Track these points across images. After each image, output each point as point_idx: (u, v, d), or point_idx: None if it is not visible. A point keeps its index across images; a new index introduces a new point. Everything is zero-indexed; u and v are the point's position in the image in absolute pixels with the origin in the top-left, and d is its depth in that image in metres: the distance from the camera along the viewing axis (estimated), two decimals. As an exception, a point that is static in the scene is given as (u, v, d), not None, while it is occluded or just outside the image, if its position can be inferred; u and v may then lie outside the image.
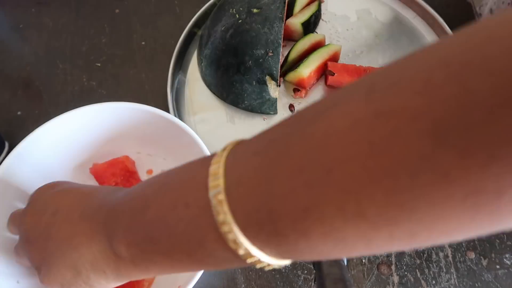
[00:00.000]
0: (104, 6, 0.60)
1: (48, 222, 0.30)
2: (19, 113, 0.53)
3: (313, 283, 0.44)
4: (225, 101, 0.51)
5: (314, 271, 0.40)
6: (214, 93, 0.52)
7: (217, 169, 0.21)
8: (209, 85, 0.52)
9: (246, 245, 0.20)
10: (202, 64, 0.52)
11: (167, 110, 0.48)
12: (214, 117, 0.51)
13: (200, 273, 0.35)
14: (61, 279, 0.29)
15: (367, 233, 0.17)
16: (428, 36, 0.56)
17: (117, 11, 0.60)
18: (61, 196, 0.31)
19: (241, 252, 0.20)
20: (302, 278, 0.44)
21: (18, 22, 0.59)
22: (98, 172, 0.44)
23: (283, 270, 0.44)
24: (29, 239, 0.31)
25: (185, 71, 0.55)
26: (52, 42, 0.58)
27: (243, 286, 0.43)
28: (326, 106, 0.19)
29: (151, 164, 0.47)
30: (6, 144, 0.48)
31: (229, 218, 0.20)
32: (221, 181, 0.20)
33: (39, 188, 0.34)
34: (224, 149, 0.22)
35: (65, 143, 0.44)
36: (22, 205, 0.40)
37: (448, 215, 0.15)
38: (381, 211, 0.16)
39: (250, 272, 0.44)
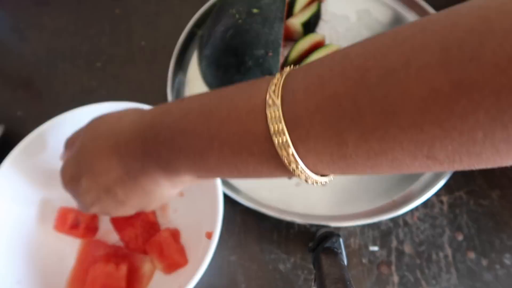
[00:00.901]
0: (104, 6, 0.60)
1: (81, 154, 0.31)
2: (19, 113, 0.53)
3: (313, 283, 0.44)
4: None
5: (314, 271, 0.40)
6: None
7: (278, 80, 0.22)
8: (209, 85, 0.52)
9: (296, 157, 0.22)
10: (202, 64, 0.52)
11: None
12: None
13: (200, 275, 0.36)
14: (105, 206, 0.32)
15: (421, 144, 0.18)
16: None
17: (117, 11, 0.60)
18: (91, 128, 0.32)
19: (292, 163, 0.22)
20: (302, 278, 0.44)
21: (18, 22, 0.59)
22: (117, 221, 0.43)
23: (283, 270, 0.44)
24: (72, 177, 0.32)
25: (185, 71, 0.55)
26: (52, 42, 0.58)
27: (243, 286, 0.43)
28: (392, 62, 0.19)
29: None
30: (1, 127, 0.49)
31: (283, 125, 0.21)
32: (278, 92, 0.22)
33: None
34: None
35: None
36: (20, 205, 0.40)
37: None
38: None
39: (250, 272, 0.44)
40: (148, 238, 0.41)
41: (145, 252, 0.42)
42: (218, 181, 0.39)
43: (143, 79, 0.55)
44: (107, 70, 0.56)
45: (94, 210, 0.32)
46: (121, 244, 0.43)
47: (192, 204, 0.43)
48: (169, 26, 0.58)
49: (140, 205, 0.32)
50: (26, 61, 0.56)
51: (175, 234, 0.42)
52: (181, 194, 0.44)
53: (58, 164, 0.41)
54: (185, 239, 0.42)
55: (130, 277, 0.39)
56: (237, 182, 0.47)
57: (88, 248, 0.42)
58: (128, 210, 0.32)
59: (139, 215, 0.42)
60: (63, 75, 0.55)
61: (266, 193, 0.46)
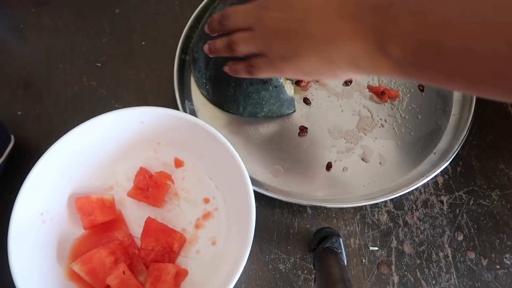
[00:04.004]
0: (104, 6, 0.60)
1: (299, 18, 0.34)
2: (19, 113, 0.53)
3: (313, 283, 0.44)
4: (242, 115, 0.50)
5: (314, 271, 0.40)
6: (228, 111, 0.51)
7: None
8: (220, 106, 0.51)
9: None
10: (207, 87, 0.51)
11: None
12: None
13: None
14: (308, 67, 0.35)
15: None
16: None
17: (117, 11, 0.60)
18: None
19: None
20: (302, 278, 0.44)
21: (18, 22, 0.59)
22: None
23: (283, 270, 0.44)
24: (276, 31, 0.35)
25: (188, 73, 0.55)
26: (52, 42, 0.57)
27: (243, 286, 0.43)
28: None
29: (173, 155, 0.47)
30: (12, 138, 0.49)
31: None
32: None
33: None
34: None
35: (91, 149, 0.44)
36: (49, 214, 0.41)
37: None
38: None
39: (250, 272, 0.44)
40: (158, 260, 0.41)
41: (147, 267, 0.42)
42: (248, 250, 0.37)
43: (143, 79, 0.55)
44: (107, 70, 0.56)
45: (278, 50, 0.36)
46: (138, 242, 0.43)
47: (217, 257, 0.42)
48: (169, 26, 0.58)
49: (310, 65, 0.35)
50: (26, 61, 0.56)
51: (179, 274, 0.41)
52: (213, 243, 0.43)
53: (83, 170, 0.44)
54: (191, 282, 0.42)
55: (122, 277, 0.39)
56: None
57: (107, 233, 0.43)
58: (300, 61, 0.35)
59: (169, 234, 0.42)
60: (63, 75, 0.55)
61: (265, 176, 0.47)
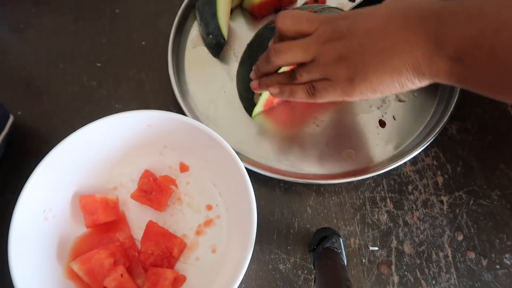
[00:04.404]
0: (104, 6, 0.60)
1: (362, 41, 0.36)
2: (19, 113, 0.53)
3: (313, 283, 0.44)
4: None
5: (314, 271, 0.40)
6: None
7: None
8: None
9: None
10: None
11: (169, 110, 0.48)
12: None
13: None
14: (376, 83, 0.36)
15: None
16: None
17: (117, 11, 0.60)
18: (367, 17, 0.37)
19: None
20: (302, 278, 0.44)
21: (18, 22, 0.59)
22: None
23: (283, 270, 0.44)
24: (341, 57, 0.37)
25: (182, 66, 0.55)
26: (52, 42, 0.57)
27: (243, 286, 0.43)
28: None
29: (178, 159, 0.47)
30: (11, 117, 0.49)
31: None
32: None
33: (327, 18, 0.39)
34: None
35: (97, 149, 0.44)
36: (51, 211, 0.41)
37: None
38: None
39: (251, 273, 0.44)
40: (157, 264, 0.41)
41: (145, 271, 0.42)
42: (247, 261, 0.37)
43: (143, 79, 0.55)
44: (107, 70, 0.56)
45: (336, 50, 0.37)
46: (138, 245, 0.43)
47: (216, 265, 0.42)
48: (169, 26, 0.58)
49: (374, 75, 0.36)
50: (26, 61, 0.56)
51: (177, 280, 0.41)
52: (213, 251, 0.43)
53: (85, 170, 0.45)
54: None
55: (120, 279, 0.39)
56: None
57: (108, 233, 0.43)
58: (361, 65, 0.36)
59: (170, 239, 0.42)
60: (63, 75, 0.55)
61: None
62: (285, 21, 0.40)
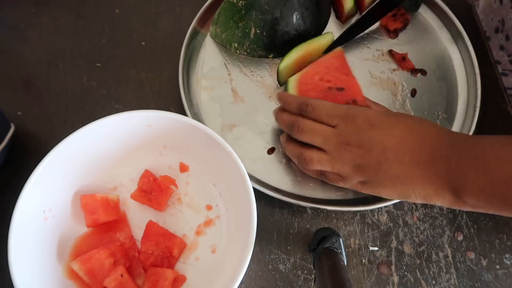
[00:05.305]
0: (104, 6, 0.60)
1: (378, 159, 0.39)
2: (19, 113, 0.53)
3: (313, 283, 0.44)
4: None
5: (314, 271, 0.40)
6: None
7: None
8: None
9: None
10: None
11: (169, 110, 0.48)
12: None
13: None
14: (384, 195, 0.40)
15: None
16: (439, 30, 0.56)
17: (117, 11, 0.60)
18: (385, 135, 0.39)
19: None
20: (302, 278, 0.44)
21: (18, 22, 0.59)
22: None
23: (283, 270, 0.44)
24: (357, 164, 0.40)
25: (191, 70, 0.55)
26: (52, 42, 0.57)
27: (243, 286, 0.43)
28: None
29: (178, 159, 0.47)
30: (12, 126, 0.49)
31: None
32: None
33: (360, 113, 0.41)
34: None
35: (97, 149, 0.44)
36: (51, 211, 0.41)
37: None
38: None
39: (250, 273, 0.44)
40: (158, 264, 0.41)
41: (145, 271, 0.42)
42: (247, 261, 0.37)
43: (143, 79, 0.55)
44: (107, 70, 0.56)
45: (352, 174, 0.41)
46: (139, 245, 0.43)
47: (216, 265, 0.42)
48: (169, 26, 0.58)
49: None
50: (26, 61, 0.56)
51: (177, 280, 0.41)
52: (213, 251, 0.43)
53: (86, 171, 0.45)
54: None
55: (120, 279, 0.39)
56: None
57: (108, 233, 0.43)
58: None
59: (170, 239, 0.42)
60: (63, 75, 0.55)
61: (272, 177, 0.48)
62: (306, 110, 0.43)
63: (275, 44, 0.52)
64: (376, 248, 0.45)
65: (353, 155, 0.40)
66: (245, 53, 0.55)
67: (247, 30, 0.52)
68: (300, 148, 0.43)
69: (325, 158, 0.41)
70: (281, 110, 0.46)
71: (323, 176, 0.43)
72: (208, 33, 0.56)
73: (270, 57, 0.54)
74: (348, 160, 0.40)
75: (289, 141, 0.45)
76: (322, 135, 0.41)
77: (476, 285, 0.44)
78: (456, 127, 0.51)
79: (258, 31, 0.52)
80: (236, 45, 0.54)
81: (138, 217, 0.45)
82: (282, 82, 0.53)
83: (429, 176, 0.37)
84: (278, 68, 0.51)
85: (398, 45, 0.56)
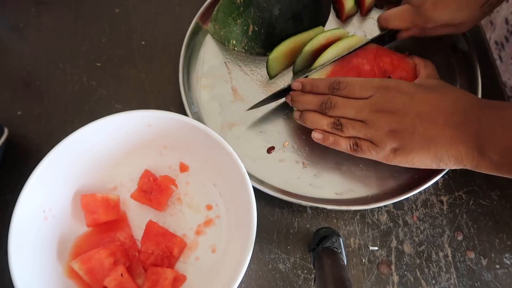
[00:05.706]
0: (104, 6, 0.60)
1: (413, 122, 0.40)
2: (19, 113, 0.53)
3: (313, 283, 0.44)
4: None
5: (314, 271, 0.40)
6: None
7: None
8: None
9: None
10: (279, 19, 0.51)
11: (169, 110, 0.48)
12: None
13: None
14: (417, 161, 0.41)
15: None
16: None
17: (117, 11, 0.60)
18: (419, 101, 0.41)
19: None
20: (302, 278, 0.44)
21: (18, 22, 0.59)
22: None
23: (283, 270, 0.44)
24: (392, 130, 0.41)
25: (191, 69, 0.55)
26: (52, 42, 0.57)
27: (243, 286, 0.43)
28: None
29: (178, 160, 0.47)
30: (5, 130, 0.49)
31: None
32: None
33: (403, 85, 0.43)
34: None
35: (97, 149, 0.44)
36: (51, 211, 0.41)
37: None
38: None
39: (250, 272, 0.44)
40: (158, 264, 0.41)
41: (145, 271, 0.42)
42: (247, 261, 0.37)
43: (143, 79, 0.55)
44: (107, 70, 0.56)
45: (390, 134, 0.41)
46: (139, 245, 0.43)
47: (216, 265, 0.42)
48: (169, 25, 0.58)
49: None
50: (26, 61, 0.56)
51: (177, 280, 0.41)
52: (213, 251, 0.43)
53: (86, 171, 0.44)
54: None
55: (120, 279, 0.39)
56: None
57: (108, 233, 0.43)
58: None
59: (170, 239, 0.42)
60: (63, 75, 0.55)
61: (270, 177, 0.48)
62: (345, 88, 0.44)
63: (273, 42, 0.52)
64: (376, 248, 0.45)
65: (388, 120, 0.41)
66: (243, 50, 0.55)
67: (245, 27, 0.52)
68: (332, 118, 0.44)
69: (361, 125, 0.42)
70: (301, 94, 0.47)
71: (355, 146, 0.43)
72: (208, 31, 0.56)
73: (268, 55, 0.54)
74: (383, 125, 0.41)
75: (311, 112, 0.45)
76: (355, 107, 0.43)
77: (476, 284, 0.44)
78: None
79: (256, 29, 0.52)
80: (234, 42, 0.54)
81: (138, 217, 0.45)
82: (272, 75, 0.53)
83: (461, 136, 0.39)
84: (267, 59, 0.51)
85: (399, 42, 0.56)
